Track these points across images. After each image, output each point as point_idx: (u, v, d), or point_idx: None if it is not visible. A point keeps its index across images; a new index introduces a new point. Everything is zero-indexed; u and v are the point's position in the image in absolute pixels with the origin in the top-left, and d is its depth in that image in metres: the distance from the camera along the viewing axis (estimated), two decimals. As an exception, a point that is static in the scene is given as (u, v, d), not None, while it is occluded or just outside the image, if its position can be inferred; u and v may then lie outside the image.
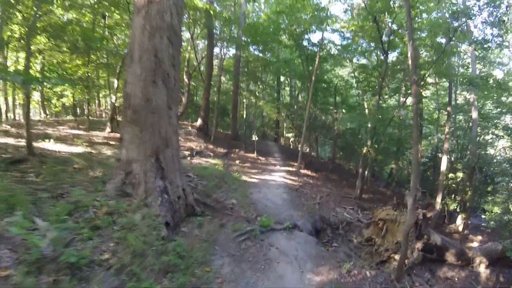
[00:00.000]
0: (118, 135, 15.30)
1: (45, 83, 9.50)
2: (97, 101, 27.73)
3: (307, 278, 6.34)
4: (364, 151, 15.57)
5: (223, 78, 26.53)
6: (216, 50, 24.17)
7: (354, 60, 20.60)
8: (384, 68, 15.78)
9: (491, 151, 20.42)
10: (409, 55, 7.30)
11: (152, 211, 6.12)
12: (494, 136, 20.08)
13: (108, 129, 16.18)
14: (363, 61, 21.15)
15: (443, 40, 14.17)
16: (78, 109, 26.61)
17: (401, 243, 8.05)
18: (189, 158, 13.55)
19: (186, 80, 22.33)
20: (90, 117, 21.32)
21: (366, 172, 17.01)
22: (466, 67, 19.63)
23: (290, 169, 17.54)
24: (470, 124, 19.09)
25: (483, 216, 17.78)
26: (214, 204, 8.76)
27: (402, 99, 19.57)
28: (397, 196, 18.60)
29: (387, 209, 9.71)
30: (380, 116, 15.33)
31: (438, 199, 15.21)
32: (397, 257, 8.08)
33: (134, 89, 6.66)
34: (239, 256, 6.55)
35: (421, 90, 16.86)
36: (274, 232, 7.96)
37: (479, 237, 14.86)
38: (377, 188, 20.54)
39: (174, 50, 7.08)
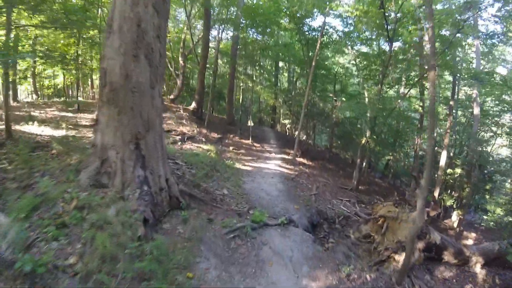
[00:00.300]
0: None
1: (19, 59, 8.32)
2: (90, 83, 26.40)
3: (303, 285, 5.57)
4: (363, 141, 14.80)
5: (219, 61, 25.33)
6: (214, 32, 22.98)
7: (356, 48, 19.53)
8: (388, 56, 14.81)
9: (488, 148, 19.72)
10: (426, 38, 6.41)
11: (129, 206, 5.25)
12: (492, 134, 19.42)
13: (97, 111, 15.12)
14: (365, 49, 20.05)
15: (447, 33, 13.36)
16: (71, 91, 25.37)
17: (403, 243, 7.39)
18: (179, 143, 12.64)
19: (181, 62, 21.18)
20: (82, 99, 20.36)
21: (363, 163, 16.25)
22: (469, 62, 18.71)
23: (286, 157, 16.73)
24: (470, 120, 18.32)
25: (479, 214, 17.31)
26: (202, 195, 7.86)
27: (402, 91, 18.73)
28: (394, 189, 18.16)
29: (388, 205, 8.96)
30: (381, 106, 14.47)
31: (436, 193, 14.57)
32: (397, 257, 7.42)
33: (112, 64, 5.67)
34: (227, 257, 5.74)
35: (424, 82, 16.00)
36: (267, 229, 7.14)
37: (474, 235, 14.30)
38: (373, 179, 19.82)
39: (160, 20, 6.05)
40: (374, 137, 15.19)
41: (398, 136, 18.85)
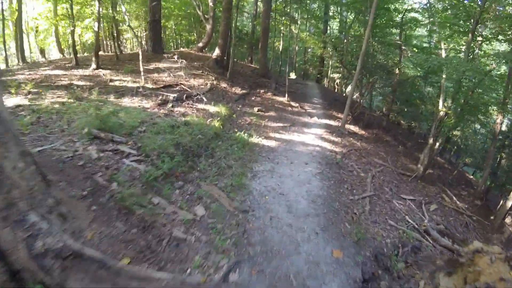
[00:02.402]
0: (103, 71, 10.44)
1: None
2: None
3: None
4: (441, 114, 8.75)
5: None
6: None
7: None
8: None
9: None
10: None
11: None
12: None
13: (93, 65, 10.82)
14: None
15: None
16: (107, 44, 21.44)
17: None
18: (170, 105, 7.83)
19: (211, 3, 15.65)
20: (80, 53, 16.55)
21: (437, 143, 9.94)
22: None
23: (332, 123, 11.20)
24: None
25: None
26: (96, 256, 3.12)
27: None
28: (466, 183, 11.40)
29: (497, 262, 3.55)
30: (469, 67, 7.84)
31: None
32: None
33: None
34: None
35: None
36: None
37: None
38: (436, 160, 13.06)
39: None
40: (455, 108, 9.01)
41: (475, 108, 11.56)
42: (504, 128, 11.13)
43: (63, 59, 14.20)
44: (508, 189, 9.05)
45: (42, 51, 19.28)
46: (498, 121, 9.35)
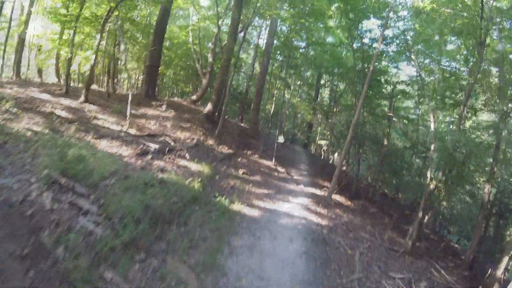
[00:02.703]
0: (90, 107, 9.82)
1: None
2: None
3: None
4: (431, 187, 8.67)
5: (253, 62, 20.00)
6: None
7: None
8: (479, 65, 8.77)
9: None
10: None
11: None
12: None
13: (82, 98, 10.28)
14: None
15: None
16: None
17: None
18: (150, 156, 7.17)
19: (210, 58, 16.10)
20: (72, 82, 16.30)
21: (426, 217, 9.67)
22: None
23: (318, 192, 10.72)
24: None
25: None
26: None
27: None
28: (452, 252, 11.01)
29: None
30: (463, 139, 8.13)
31: (502, 266, 7.62)
32: None
33: None
34: None
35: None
36: None
37: None
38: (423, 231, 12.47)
39: None
40: (448, 180, 9.03)
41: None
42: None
43: (56, 84, 13.73)
44: (497, 258, 8.86)
45: (40, 71, 18.81)
46: (486, 190, 9.23)
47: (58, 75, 18.07)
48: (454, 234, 14.98)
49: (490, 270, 8.16)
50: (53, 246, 3.22)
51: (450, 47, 12.01)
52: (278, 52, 17.40)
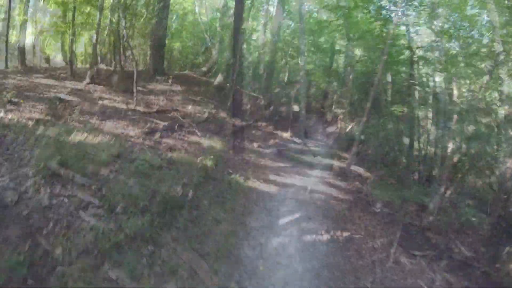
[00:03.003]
0: (97, 86, 9.55)
1: None
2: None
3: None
4: (455, 160, 8.25)
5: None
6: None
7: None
8: None
9: None
10: None
11: None
12: None
13: (87, 79, 9.93)
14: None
15: None
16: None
17: None
18: (158, 134, 6.80)
19: (218, 28, 15.27)
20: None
21: (448, 191, 9.00)
22: None
23: (336, 163, 10.20)
24: None
25: None
26: None
27: None
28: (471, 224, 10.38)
29: None
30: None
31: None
32: None
33: None
34: None
35: None
36: None
37: None
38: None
39: None
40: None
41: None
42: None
43: (63, 67, 13.40)
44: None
45: (47, 58, 18.58)
46: (509, 165, 8.52)
47: (65, 58, 17.77)
48: (472, 207, 14.36)
49: (508, 247, 7.61)
50: (51, 249, 2.95)
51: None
52: (289, 17, 16.34)
